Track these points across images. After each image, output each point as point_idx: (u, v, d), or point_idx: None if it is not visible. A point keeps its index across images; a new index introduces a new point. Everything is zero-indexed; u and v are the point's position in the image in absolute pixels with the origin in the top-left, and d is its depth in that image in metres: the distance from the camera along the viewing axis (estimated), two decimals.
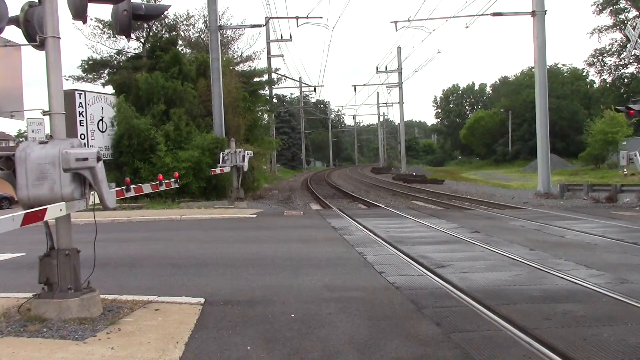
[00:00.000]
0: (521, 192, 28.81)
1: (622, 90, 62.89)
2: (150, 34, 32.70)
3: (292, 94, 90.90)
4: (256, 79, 37.32)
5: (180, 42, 34.39)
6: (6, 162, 5.78)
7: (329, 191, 34.57)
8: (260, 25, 32.41)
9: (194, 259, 10.13)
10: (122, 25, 6.38)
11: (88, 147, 17.01)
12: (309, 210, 21.93)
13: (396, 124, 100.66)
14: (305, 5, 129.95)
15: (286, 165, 79.83)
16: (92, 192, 5.85)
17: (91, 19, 30.76)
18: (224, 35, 37.06)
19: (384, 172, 66.69)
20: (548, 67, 31.69)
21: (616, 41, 61.26)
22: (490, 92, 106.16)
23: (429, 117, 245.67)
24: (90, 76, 32.72)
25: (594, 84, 76.09)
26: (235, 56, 38.96)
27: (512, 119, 75.04)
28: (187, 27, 36.51)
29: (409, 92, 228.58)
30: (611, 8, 59.01)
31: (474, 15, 28.21)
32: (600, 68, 66.05)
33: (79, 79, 32.40)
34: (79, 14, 6.15)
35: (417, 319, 5.94)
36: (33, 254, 6.59)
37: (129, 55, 32.77)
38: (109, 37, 32.11)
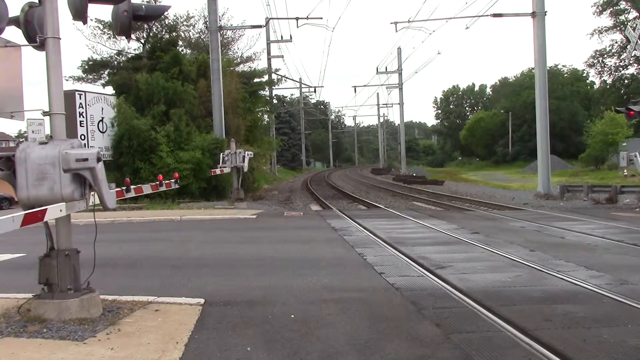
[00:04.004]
0: (521, 193, 28.79)
1: (622, 92, 62.85)
2: (151, 34, 32.68)
3: (292, 94, 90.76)
4: (256, 80, 37.33)
5: (180, 42, 34.40)
6: (6, 162, 5.77)
7: (329, 192, 34.56)
8: (260, 26, 32.62)
9: (194, 259, 10.14)
10: (122, 26, 6.38)
11: (88, 147, 17.02)
12: (309, 211, 21.92)
13: (396, 124, 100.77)
14: (306, 6, 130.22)
15: (286, 166, 79.72)
16: (92, 193, 5.85)
17: (91, 20, 30.77)
18: (224, 36, 37.09)
19: (384, 173, 66.66)
20: (548, 68, 31.69)
21: (616, 42, 61.33)
22: (490, 93, 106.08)
23: (429, 118, 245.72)
24: (91, 77, 32.70)
25: (594, 85, 76.11)
26: (236, 57, 39.02)
27: (512, 120, 75.03)
28: (187, 28, 36.57)
29: (409, 93, 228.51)
30: (611, 9, 59.01)
31: (474, 16, 28.28)
32: (600, 69, 66.12)
33: (79, 79, 32.40)
34: (79, 14, 6.15)
35: (417, 320, 5.94)
36: (33, 255, 6.59)
37: (129, 56, 32.75)
38: (109, 37, 32.08)
